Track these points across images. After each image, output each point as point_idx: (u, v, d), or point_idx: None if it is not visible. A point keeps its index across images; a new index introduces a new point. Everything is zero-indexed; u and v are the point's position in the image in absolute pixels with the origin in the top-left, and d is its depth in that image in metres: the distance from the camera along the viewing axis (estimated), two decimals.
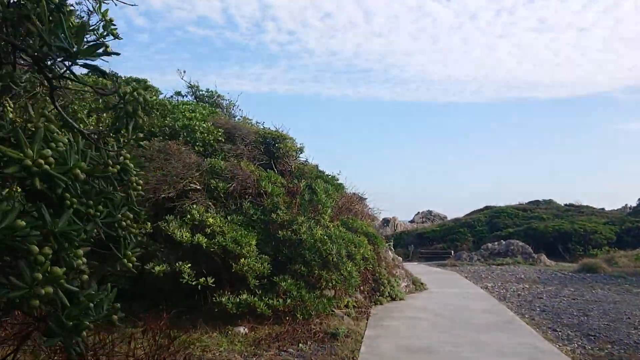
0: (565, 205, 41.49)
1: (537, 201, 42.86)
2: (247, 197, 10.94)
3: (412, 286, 14.92)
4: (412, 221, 56.24)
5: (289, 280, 9.95)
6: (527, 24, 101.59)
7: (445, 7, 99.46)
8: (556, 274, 22.44)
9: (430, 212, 59.36)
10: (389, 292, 13.22)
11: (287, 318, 10.11)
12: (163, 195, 9.32)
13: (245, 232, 9.75)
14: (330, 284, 11.02)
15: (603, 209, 41.73)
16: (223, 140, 11.46)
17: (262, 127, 13.25)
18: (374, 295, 12.97)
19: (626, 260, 26.08)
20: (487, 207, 42.49)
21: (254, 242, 9.64)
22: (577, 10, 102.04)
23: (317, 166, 13.82)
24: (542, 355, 8.32)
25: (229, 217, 10.16)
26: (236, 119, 14.44)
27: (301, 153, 13.02)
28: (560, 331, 10.33)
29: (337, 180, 13.46)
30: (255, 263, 9.48)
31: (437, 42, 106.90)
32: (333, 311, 10.89)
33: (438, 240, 38.31)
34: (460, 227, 38.82)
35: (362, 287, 13.03)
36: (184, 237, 8.85)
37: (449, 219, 47.58)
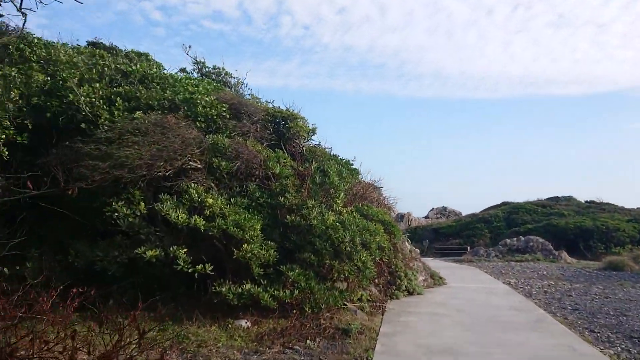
0: (586, 202, 39.96)
1: (557, 197, 41.37)
2: (253, 179, 9.92)
3: (430, 280, 13.82)
4: (426, 217, 54.99)
5: (297, 270, 8.92)
6: (545, 19, 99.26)
7: (461, 2, 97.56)
8: (580, 272, 21.18)
9: (445, 208, 58.08)
10: (405, 286, 12.14)
11: (295, 311, 9.08)
12: (159, 173, 8.32)
13: (250, 216, 8.72)
14: (342, 275, 9.99)
15: (623, 207, 40.18)
16: (228, 116, 10.42)
17: (271, 105, 12.20)
18: (390, 289, 11.90)
19: None
20: (504, 203, 41.10)
21: (258, 227, 8.61)
22: (596, 5, 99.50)
23: (330, 150, 12.77)
24: None
25: (232, 200, 9.14)
26: (245, 97, 13.40)
27: (313, 135, 11.97)
28: (598, 332, 9.17)
29: (352, 165, 12.38)
30: (259, 250, 8.45)
31: (452, 37, 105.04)
32: (345, 305, 9.84)
33: (454, 236, 37.06)
34: (477, 222, 37.52)
35: (377, 280, 11.96)
36: (180, 218, 7.83)
37: (463, 215, 46.23)
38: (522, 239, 30.88)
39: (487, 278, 16.35)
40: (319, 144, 12.89)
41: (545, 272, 20.49)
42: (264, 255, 8.48)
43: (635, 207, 41.41)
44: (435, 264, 23.68)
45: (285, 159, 10.15)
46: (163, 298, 9.21)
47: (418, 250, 15.20)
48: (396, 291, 11.84)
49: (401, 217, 51.08)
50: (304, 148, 11.56)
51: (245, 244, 8.29)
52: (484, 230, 36.27)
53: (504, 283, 15.40)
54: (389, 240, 11.68)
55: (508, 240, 31.05)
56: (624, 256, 25.74)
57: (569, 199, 41.11)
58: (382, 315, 10.09)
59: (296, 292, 8.78)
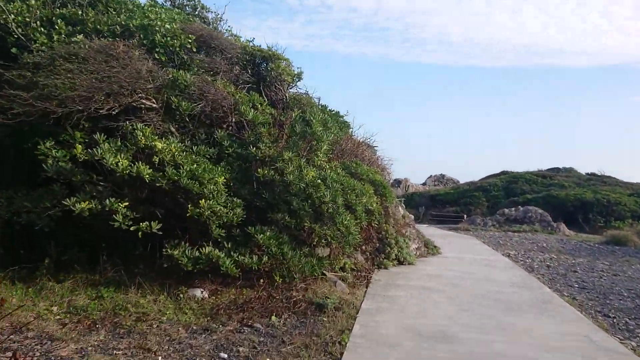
0: (587, 174, 38.45)
1: (557, 168, 39.84)
2: (224, 126, 8.38)
3: (424, 249, 12.41)
4: (424, 184, 53.62)
5: (267, 233, 7.45)
6: None
7: None
8: (581, 245, 19.81)
9: (442, 175, 56.68)
10: (396, 255, 10.72)
11: (263, 281, 7.66)
12: (101, 111, 6.74)
13: (210, 167, 7.19)
14: (323, 241, 8.57)
15: (625, 181, 38.67)
16: (194, 49, 8.79)
17: (252, 44, 10.47)
18: (378, 257, 10.48)
19: None
20: (503, 172, 39.59)
21: (221, 180, 7.08)
22: None
23: (318, 100, 11.18)
24: (603, 355, 5.79)
25: (195, 148, 7.61)
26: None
27: (299, 80, 10.33)
28: (614, 317, 7.76)
29: (342, 117, 10.79)
30: (221, 207, 6.96)
31: (460, 2, 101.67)
32: (324, 274, 8.42)
33: (451, 203, 35.67)
34: (475, 190, 36.07)
35: (364, 247, 10.55)
36: (120, 165, 6.28)
37: (461, 183, 44.78)
38: (521, 209, 29.49)
39: (484, 249, 14.93)
40: (307, 92, 11.30)
41: (545, 245, 19.12)
42: (226, 214, 6.99)
43: (637, 182, 40.00)
44: (431, 231, 22.33)
45: (261, 104, 8.58)
46: (114, 261, 7.82)
47: (412, 216, 13.79)
48: (385, 260, 10.42)
49: (398, 182, 49.65)
50: (287, 95, 9.97)
51: (203, 200, 6.78)
52: (482, 199, 34.86)
53: (502, 255, 13.99)
54: (379, 203, 10.21)
55: (506, 210, 29.66)
56: (627, 230, 24.39)
57: (570, 170, 39.60)
58: (367, 287, 8.68)
59: (265, 258, 7.32)
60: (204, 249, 6.96)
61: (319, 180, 7.72)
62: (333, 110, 10.69)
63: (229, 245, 7.37)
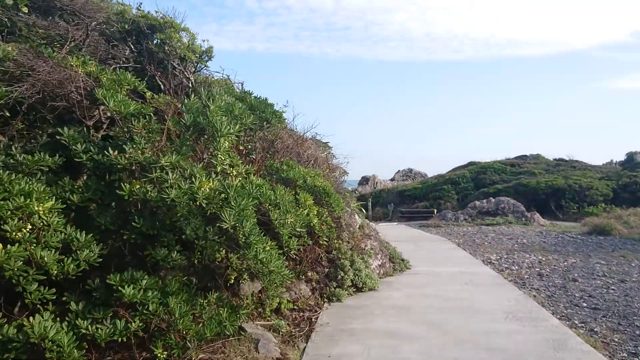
0: (555, 159, 36.38)
1: (525, 156, 37.70)
2: (88, 122, 5.49)
3: (389, 265, 9.64)
4: (392, 179, 51.25)
5: (143, 281, 4.60)
6: None
7: None
8: (563, 238, 17.40)
9: (410, 170, 54.46)
10: (352, 279, 7.93)
11: (146, 353, 4.81)
12: None
13: (29, 184, 4.28)
14: (246, 276, 5.83)
15: (593, 165, 36.76)
16: (26, 10, 5.86)
17: (135, 11, 7.43)
18: (329, 286, 7.67)
19: (637, 219, 21.16)
20: (471, 163, 37.29)
21: (43, 208, 4.19)
22: None
23: (241, 85, 8.34)
24: None
25: (17, 157, 4.69)
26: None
27: (208, 59, 7.42)
28: None
29: (272, 106, 7.92)
30: (40, 251, 4.07)
31: None
32: (243, 330, 5.58)
33: (420, 199, 33.17)
34: (444, 183, 33.64)
35: (309, 274, 7.73)
36: None
37: (430, 176, 42.41)
38: (492, 200, 27.10)
39: (461, 256, 12.17)
40: (229, 77, 8.45)
41: (525, 241, 16.61)
42: (52, 264, 4.09)
43: (603, 163, 38.22)
44: (399, 231, 19.64)
45: (136, 86, 5.68)
46: None
47: (373, 224, 10.96)
48: (337, 289, 7.62)
49: (366, 180, 47.09)
50: (191, 78, 7.09)
51: (10, 246, 3.89)
52: (451, 192, 32.45)
53: (484, 262, 11.32)
54: (327, 214, 7.43)
55: (477, 203, 27.23)
56: (605, 217, 22.16)
57: (537, 157, 37.52)
58: (307, 341, 5.87)
59: (136, 322, 4.46)
60: (31, 319, 4.05)
61: (221, 194, 4.86)
62: (260, 97, 7.83)
63: (79, 308, 4.48)
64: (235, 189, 4.89)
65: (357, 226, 9.30)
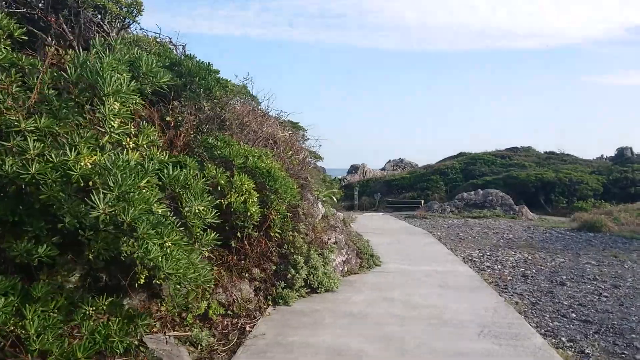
0: (546, 152, 35.21)
1: (515, 148, 36.49)
2: None
3: (355, 261, 8.38)
4: (383, 169, 50.06)
5: None
6: None
7: None
8: (551, 233, 16.21)
9: (401, 160, 53.33)
10: (305, 279, 6.67)
11: None
12: None
13: None
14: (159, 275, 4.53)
15: (584, 159, 35.57)
16: None
17: None
18: (276, 286, 6.40)
19: (627, 215, 20.00)
20: (461, 154, 36.06)
21: None
22: None
23: (183, 47, 7.01)
24: None
25: None
26: None
27: (137, 14, 6.07)
28: None
29: (216, 72, 6.57)
30: None
31: None
32: (144, 345, 4.32)
33: (407, 189, 31.97)
34: (432, 174, 32.45)
35: (255, 270, 6.47)
36: None
37: (419, 166, 41.18)
38: (480, 192, 25.92)
39: (440, 251, 10.88)
40: (171, 40, 7.11)
41: (511, 235, 15.43)
42: None
43: (594, 158, 37.07)
44: (381, 222, 18.40)
45: (12, 31, 4.35)
46: None
47: (341, 215, 9.66)
48: (286, 290, 6.35)
49: (355, 168, 45.82)
50: (112, 33, 5.76)
51: None
52: (440, 183, 31.28)
53: (464, 260, 10.09)
54: (276, 203, 6.15)
55: (465, 194, 26.04)
56: (595, 212, 21.01)
57: (528, 149, 36.32)
58: (231, 357, 4.62)
59: None
60: None
61: (103, 170, 3.56)
62: (203, 62, 6.49)
63: None
64: (123, 165, 3.59)
65: (320, 217, 8.02)
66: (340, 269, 7.80)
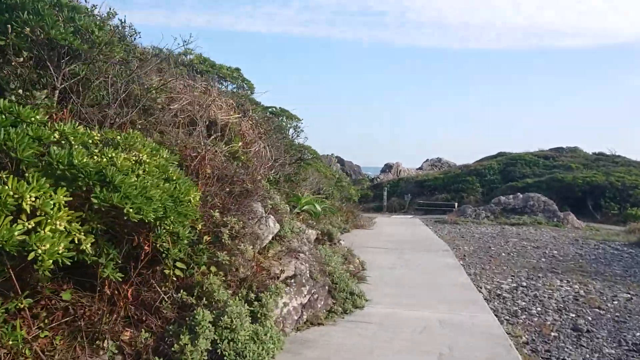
0: (594, 153, 30.93)
1: (561, 148, 32.33)
2: None
3: (323, 303, 5.43)
4: (420, 168, 46.65)
5: None
6: None
7: None
8: (604, 248, 12.83)
9: (439, 159, 49.72)
10: (210, 349, 3.90)
11: None
12: None
13: None
14: None
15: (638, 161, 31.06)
16: None
17: None
18: None
19: None
20: (500, 154, 32.27)
21: None
22: None
23: None
24: None
25: None
26: None
27: None
28: None
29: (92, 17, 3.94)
30: None
31: None
32: None
33: (440, 190, 28.65)
34: (468, 175, 28.96)
35: (123, 334, 3.76)
36: None
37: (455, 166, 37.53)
38: (520, 196, 22.41)
39: (458, 281, 7.45)
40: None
41: (555, 251, 12.16)
42: None
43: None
44: (401, 229, 15.33)
45: None
46: None
47: (312, 233, 6.66)
48: None
49: (389, 167, 42.67)
50: None
51: None
52: (476, 184, 27.80)
53: (488, 297, 7.05)
54: (174, 217, 3.44)
55: (503, 198, 22.59)
56: None
57: (575, 150, 32.08)
58: None
59: None
60: None
61: None
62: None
63: None
64: None
65: (269, 238, 5.21)
66: (295, 317, 4.98)
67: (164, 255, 3.96)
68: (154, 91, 5.00)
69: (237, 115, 5.92)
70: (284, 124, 10.40)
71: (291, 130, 10.65)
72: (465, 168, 30.62)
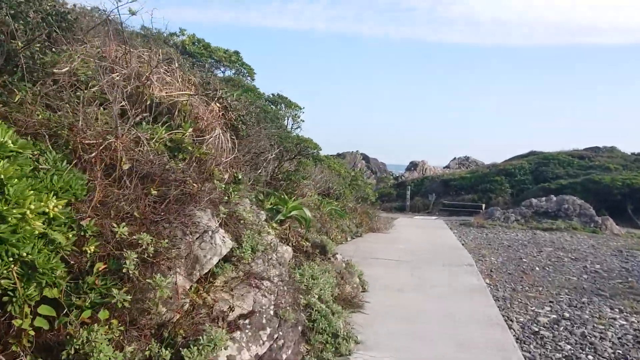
0: (634, 154, 28.25)
1: (597, 148, 29.72)
2: None
3: (292, 351, 3.88)
4: (447, 167, 44.50)
5: None
6: None
7: None
8: None
9: (467, 158, 47.48)
10: None
11: None
12: None
13: None
14: None
15: None
16: None
17: None
18: None
19: None
20: (532, 153, 29.89)
21: None
22: None
23: None
24: None
25: None
26: None
27: None
28: None
29: None
30: None
31: None
32: None
33: (467, 190, 26.57)
34: (497, 174, 26.78)
35: None
36: None
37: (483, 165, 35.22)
38: (554, 199, 20.25)
39: (482, 314, 5.63)
40: None
41: (597, 265, 10.22)
42: None
43: None
44: (419, 235, 13.50)
45: None
46: None
47: (288, 252, 5.03)
48: None
49: (414, 165, 40.68)
50: None
51: None
52: (505, 185, 25.62)
53: (522, 339, 5.31)
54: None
55: (534, 200, 20.47)
56: None
57: (612, 150, 29.42)
58: None
59: None
60: None
61: None
62: None
63: None
64: None
65: (213, 262, 3.63)
66: None
67: (7, 297, 2.43)
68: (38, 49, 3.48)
69: (187, 93, 4.35)
70: (281, 112, 8.80)
71: (290, 121, 9.05)
72: (494, 167, 28.42)
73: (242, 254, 3.95)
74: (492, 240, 13.67)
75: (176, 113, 4.31)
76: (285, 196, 5.86)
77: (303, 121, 9.34)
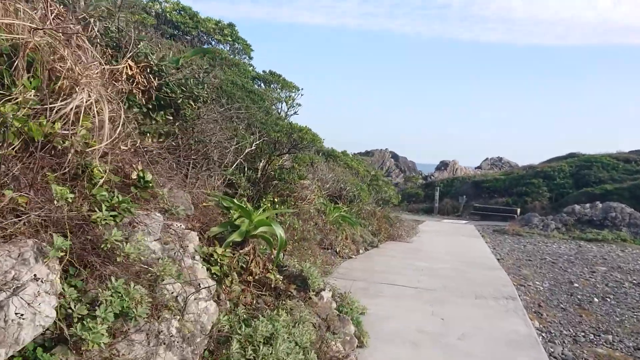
0: None
1: None
2: None
3: None
4: (478, 167, 41.62)
5: None
6: None
7: None
8: None
9: (500, 158, 44.40)
10: None
11: None
12: None
13: None
14: None
15: None
16: None
17: None
18: None
19: None
20: (571, 155, 26.93)
21: None
22: None
23: None
24: None
25: None
26: None
27: None
28: None
29: None
30: None
31: None
32: None
33: (500, 193, 23.97)
34: (533, 177, 24.05)
35: None
36: None
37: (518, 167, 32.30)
38: (599, 205, 17.57)
39: None
40: None
41: None
42: None
43: None
44: (447, 245, 11.25)
45: None
46: None
47: (211, 308, 3.17)
48: None
49: (445, 165, 38.05)
50: None
51: None
52: (542, 188, 22.91)
53: None
54: None
55: (577, 207, 17.83)
56: None
57: None
58: None
59: None
60: None
61: None
62: None
63: None
64: None
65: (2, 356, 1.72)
66: None
67: None
68: None
69: (41, 28, 2.43)
70: (275, 95, 6.86)
71: (283, 105, 7.08)
72: (531, 169, 25.64)
73: (90, 330, 1.98)
74: (532, 255, 11.34)
75: (24, 64, 2.38)
76: (249, 205, 3.87)
77: (299, 105, 7.35)
